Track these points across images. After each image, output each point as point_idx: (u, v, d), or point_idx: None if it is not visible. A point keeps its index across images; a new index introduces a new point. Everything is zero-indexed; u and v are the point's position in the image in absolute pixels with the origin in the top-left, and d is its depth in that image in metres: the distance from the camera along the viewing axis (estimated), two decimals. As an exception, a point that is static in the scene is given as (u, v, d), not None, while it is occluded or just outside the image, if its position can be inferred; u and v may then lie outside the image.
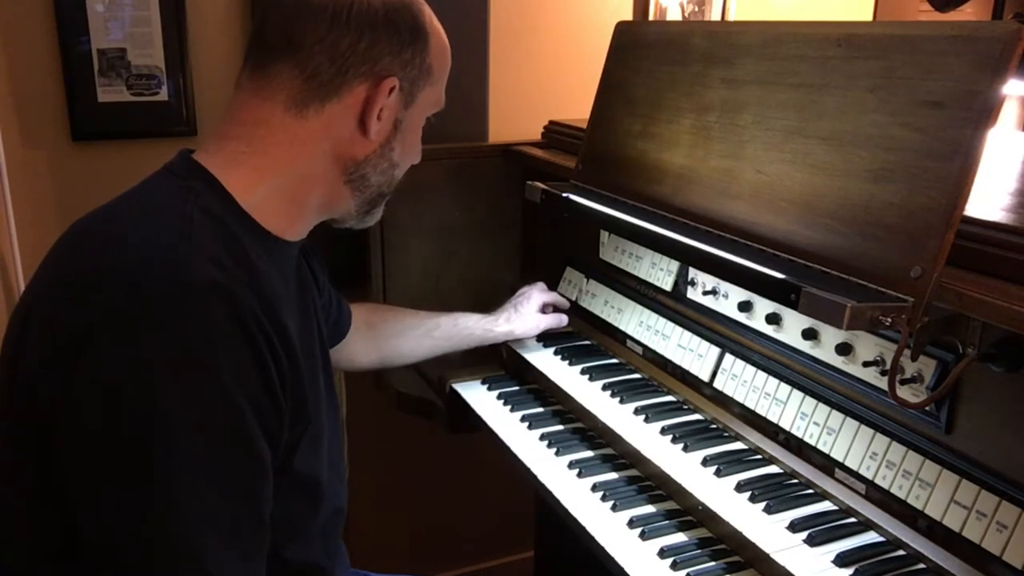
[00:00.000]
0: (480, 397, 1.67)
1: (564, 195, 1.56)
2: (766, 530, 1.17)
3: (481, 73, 1.96)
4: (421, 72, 1.04)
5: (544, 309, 1.75)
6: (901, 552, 1.13)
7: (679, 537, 1.24)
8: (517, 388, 1.70)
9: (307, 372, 0.99)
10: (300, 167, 1.00)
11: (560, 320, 1.76)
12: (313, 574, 1.11)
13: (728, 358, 1.44)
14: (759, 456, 1.35)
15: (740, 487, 1.26)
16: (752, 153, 1.27)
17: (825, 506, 1.23)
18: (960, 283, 0.98)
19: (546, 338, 1.75)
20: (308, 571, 1.09)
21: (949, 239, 0.98)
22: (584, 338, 1.78)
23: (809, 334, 1.28)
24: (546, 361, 1.69)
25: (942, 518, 1.08)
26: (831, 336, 1.25)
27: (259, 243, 0.97)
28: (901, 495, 1.13)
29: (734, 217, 1.27)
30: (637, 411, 1.48)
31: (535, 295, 1.74)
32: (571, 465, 1.42)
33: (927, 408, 1.12)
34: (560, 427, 1.56)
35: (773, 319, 1.35)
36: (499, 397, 1.67)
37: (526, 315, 1.70)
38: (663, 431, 1.42)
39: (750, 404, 1.38)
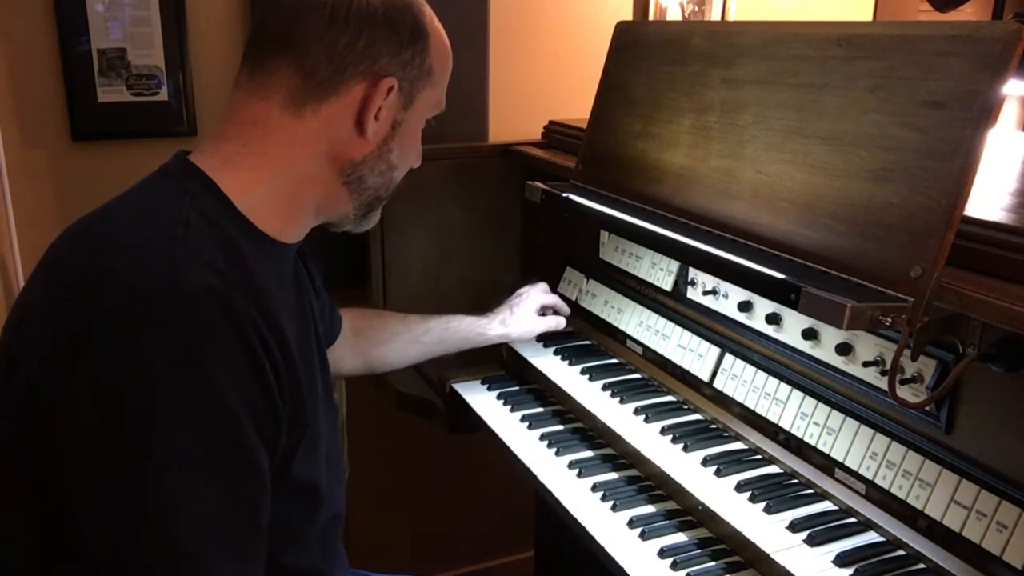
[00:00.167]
0: (480, 397, 1.67)
1: (564, 195, 1.56)
2: (766, 530, 1.17)
3: (481, 73, 1.96)
4: (421, 73, 1.03)
5: (544, 311, 1.73)
6: (901, 552, 1.13)
7: (679, 537, 1.24)
8: (517, 388, 1.70)
9: (304, 376, 0.99)
10: (297, 168, 1.00)
11: (558, 323, 1.73)
12: None
13: (728, 358, 1.44)
14: (759, 456, 1.35)
15: (740, 487, 1.26)
16: (752, 153, 1.27)
17: (825, 506, 1.23)
18: (960, 283, 0.98)
19: (546, 338, 1.74)
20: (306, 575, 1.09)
21: (949, 239, 0.98)
22: (584, 338, 1.78)
23: (809, 334, 1.28)
24: (546, 361, 1.69)
25: (942, 518, 1.08)
26: (831, 336, 1.25)
27: (256, 246, 0.96)
28: (901, 495, 1.13)
29: (734, 217, 1.27)
30: (637, 411, 1.48)
31: (533, 296, 1.71)
32: (571, 465, 1.42)
33: (927, 408, 1.12)
34: (560, 427, 1.56)
35: (773, 319, 1.35)
36: (499, 397, 1.67)
37: (522, 317, 1.68)
38: (663, 431, 1.42)
39: (750, 404, 1.38)
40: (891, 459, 1.15)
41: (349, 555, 1.24)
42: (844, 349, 1.23)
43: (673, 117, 1.44)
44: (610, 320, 1.73)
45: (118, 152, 1.89)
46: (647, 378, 1.61)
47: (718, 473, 1.30)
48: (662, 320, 1.60)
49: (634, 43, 1.59)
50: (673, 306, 1.61)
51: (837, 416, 1.24)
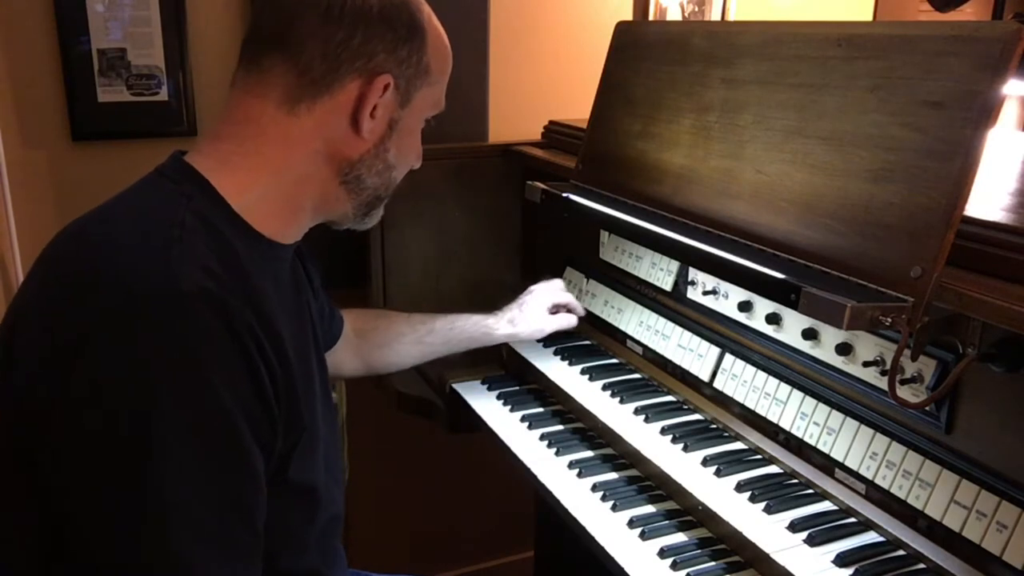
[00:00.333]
0: (480, 397, 1.67)
1: (564, 195, 1.56)
2: (766, 530, 1.17)
3: (481, 73, 1.96)
4: (418, 71, 1.02)
5: (556, 310, 1.69)
6: (901, 552, 1.13)
7: (679, 537, 1.24)
8: (517, 388, 1.70)
9: (301, 379, 0.98)
10: (294, 167, 0.99)
11: (569, 322, 1.68)
12: None
13: (728, 358, 1.44)
14: (759, 456, 1.35)
15: (740, 487, 1.26)
16: (752, 153, 1.27)
17: (825, 506, 1.23)
18: (960, 283, 0.98)
19: (546, 338, 1.74)
20: None
21: (949, 239, 0.98)
22: (584, 338, 1.78)
23: (809, 334, 1.28)
24: (546, 361, 1.69)
25: (942, 518, 1.08)
26: (831, 336, 1.25)
27: (252, 247, 0.96)
28: (901, 495, 1.13)
29: (734, 217, 1.27)
30: (637, 411, 1.48)
31: (544, 294, 1.67)
32: (571, 465, 1.42)
33: (927, 408, 1.12)
34: (560, 427, 1.56)
35: (773, 319, 1.35)
36: (499, 397, 1.67)
37: (531, 316, 1.64)
38: (663, 431, 1.42)
39: (750, 404, 1.38)
40: (891, 459, 1.15)
41: (349, 555, 1.23)
42: (844, 349, 1.23)
43: (673, 117, 1.44)
44: (610, 320, 1.73)
45: (118, 152, 1.89)
46: (647, 378, 1.61)
47: (718, 473, 1.30)
48: (662, 320, 1.60)
49: (634, 43, 1.59)
50: (673, 306, 1.61)
51: (837, 416, 1.24)
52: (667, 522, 1.27)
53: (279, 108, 0.97)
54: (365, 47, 0.97)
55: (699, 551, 1.21)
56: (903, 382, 1.14)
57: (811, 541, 1.15)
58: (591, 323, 1.79)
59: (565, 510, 1.32)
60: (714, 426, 1.44)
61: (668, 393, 1.56)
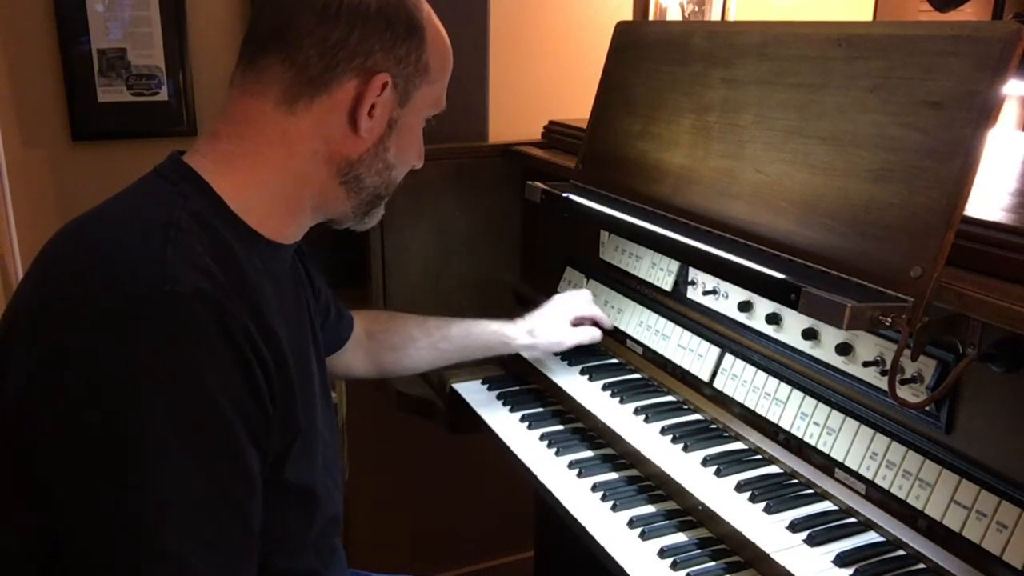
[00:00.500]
0: (480, 397, 1.67)
1: (564, 195, 1.56)
2: (766, 530, 1.17)
3: (481, 73, 1.96)
4: (417, 70, 1.02)
5: (581, 322, 1.63)
6: (901, 552, 1.13)
7: (679, 537, 1.24)
8: (517, 388, 1.70)
9: (298, 379, 0.98)
10: (292, 167, 0.99)
11: (592, 336, 1.62)
12: None
13: (728, 358, 1.44)
14: (759, 456, 1.35)
15: (740, 487, 1.26)
16: (752, 153, 1.27)
17: (825, 506, 1.23)
18: (960, 283, 0.98)
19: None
20: None
21: (949, 239, 0.98)
22: (584, 338, 1.78)
23: (809, 334, 1.28)
24: (546, 361, 1.68)
25: (942, 518, 1.08)
26: (831, 336, 1.25)
27: (250, 247, 0.96)
28: (901, 495, 1.13)
29: (734, 217, 1.27)
30: (637, 411, 1.48)
31: (567, 305, 1.62)
32: (571, 465, 1.42)
33: (927, 408, 1.12)
34: (560, 427, 1.56)
35: (773, 319, 1.35)
36: (499, 397, 1.67)
37: (553, 328, 1.59)
38: (663, 431, 1.42)
39: (750, 404, 1.38)
40: (891, 459, 1.15)
41: (349, 555, 1.23)
42: (844, 349, 1.23)
43: (673, 117, 1.44)
44: (610, 320, 1.73)
45: (118, 152, 1.89)
46: (647, 378, 1.61)
47: (718, 473, 1.30)
48: (662, 320, 1.60)
49: (634, 43, 1.59)
50: (673, 306, 1.61)
51: (837, 416, 1.24)
52: (667, 522, 1.27)
53: (277, 107, 0.97)
54: (362, 45, 0.96)
55: (699, 551, 1.21)
56: (903, 382, 1.14)
57: (811, 541, 1.15)
58: (591, 323, 1.79)
59: (565, 510, 1.32)
60: (714, 426, 1.44)
61: (668, 393, 1.56)
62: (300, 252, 1.16)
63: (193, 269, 0.85)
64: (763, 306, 1.37)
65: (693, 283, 1.54)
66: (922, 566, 1.10)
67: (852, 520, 1.19)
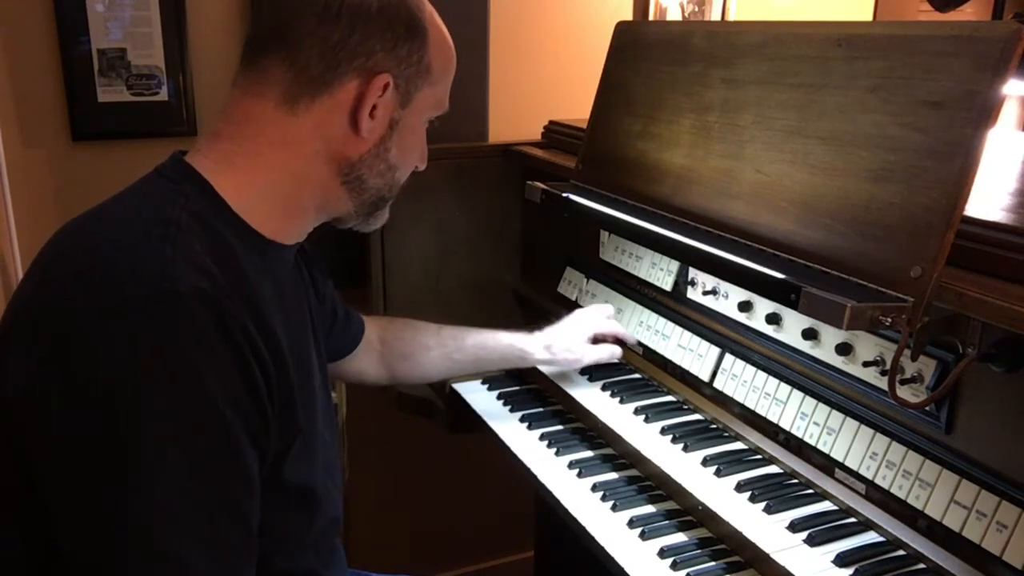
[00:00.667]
0: (480, 397, 1.67)
1: (564, 195, 1.56)
2: (766, 530, 1.17)
3: (481, 73, 1.96)
4: (419, 71, 1.01)
5: (600, 339, 1.60)
6: (901, 552, 1.13)
7: (679, 537, 1.24)
8: (517, 388, 1.70)
9: (298, 379, 0.98)
10: (293, 167, 0.99)
11: (612, 353, 1.57)
12: None
13: (728, 358, 1.44)
14: (759, 456, 1.35)
15: (740, 487, 1.26)
16: (752, 153, 1.27)
17: (825, 506, 1.23)
18: (960, 283, 0.98)
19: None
20: None
21: (949, 239, 0.98)
22: (584, 338, 1.78)
23: (809, 334, 1.28)
24: (546, 361, 1.68)
25: (942, 518, 1.08)
26: (831, 336, 1.25)
27: (251, 247, 0.96)
28: (901, 495, 1.13)
29: (734, 217, 1.27)
30: (637, 411, 1.48)
31: (586, 321, 1.58)
32: (571, 465, 1.42)
33: (927, 408, 1.12)
34: (560, 427, 1.56)
35: (773, 319, 1.35)
36: (499, 397, 1.67)
37: (570, 344, 1.55)
38: (663, 431, 1.42)
39: (750, 404, 1.38)
40: (891, 459, 1.15)
41: (349, 555, 1.23)
42: (844, 349, 1.23)
43: (673, 117, 1.44)
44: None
45: (118, 152, 1.89)
46: (647, 378, 1.61)
47: (718, 473, 1.30)
48: (662, 320, 1.60)
49: (634, 43, 1.59)
50: (673, 306, 1.61)
51: (837, 416, 1.24)
52: (667, 522, 1.27)
53: (278, 108, 0.97)
54: (363, 46, 0.96)
55: (699, 551, 1.21)
56: (903, 382, 1.14)
57: (811, 541, 1.15)
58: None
59: (565, 510, 1.32)
60: (714, 426, 1.44)
61: (668, 393, 1.56)
62: (303, 253, 1.16)
63: (192, 268, 0.85)
64: (763, 306, 1.37)
65: (693, 283, 1.54)
66: (922, 566, 1.10)
67: (852, 520, 1.19)
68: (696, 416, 1.48)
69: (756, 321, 1.39)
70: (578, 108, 1.92)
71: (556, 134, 1.93)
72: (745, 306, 1.41)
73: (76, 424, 0.81)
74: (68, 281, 0.87)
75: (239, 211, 0.96)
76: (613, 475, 1.40)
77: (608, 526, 1.26)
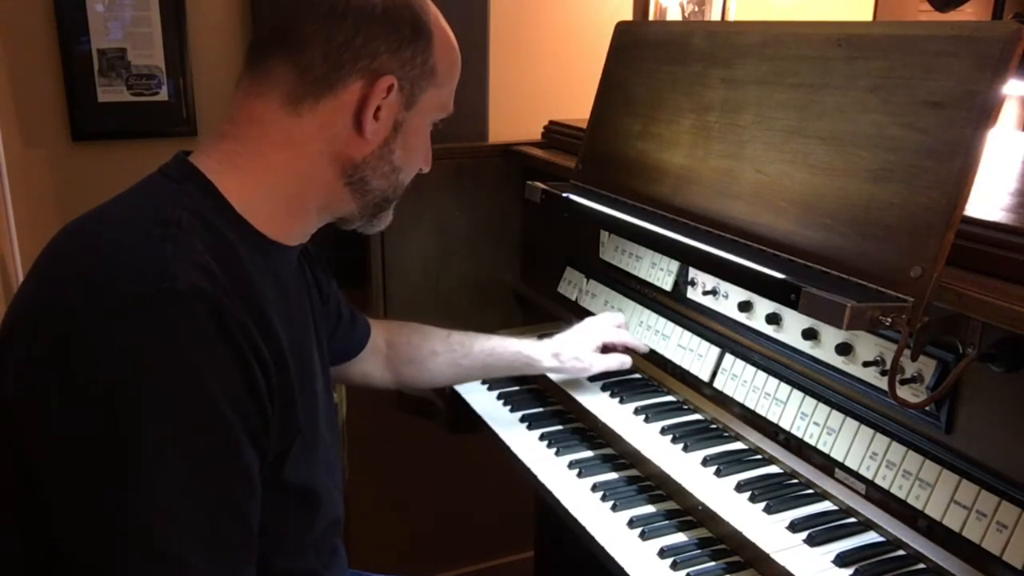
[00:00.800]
0: (480, 397, 1.67)
1: (564, 195, 1.56)
2: (766, 530, 1.17)
3: (481, 73, 1.96)
4: (423, 72, 1.01)
5: (610, 348, 1.58)
6: (901, 552, 1.13)
7: (679, 537, 1.24)
8: (517, 388, 1.70)
9: (299, 380, 0.98)
10: (297, 168, 0.99)
11: (622, 362, 1.55)
12: None
13: (728, 358, 1.44)
14: (759, 456, 1.35)
15: (740, 487, 1.26)
16: (752, 153, 1.27)
17: (825, 506, 1.23)
18: (960, 283, 0.98)
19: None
20: None
21: (949, 239, 0.97)
22: (584, 338, 1.78)
23: (809, 334, 1.28)
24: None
25: (942, 518, 1.08)
26: (831, 336, 1.25)
27: (253, 247, 0.96)
28: (901, 495, 1.13)
29: (734, 217, 1.27)
30: (637, 411, 1.48)
31: (596, 330, 1.56)
32: (571, 465, 1.42)
33: (927, 408, 1.12)
34: (560, 427, 1.56)
35: (773, 319, 1.35)
36: (499, 397, 1.67)
37: (580, 352, 1.54)
38: (663, 431, 1.42)
39: (750, 404, 1.38)
40: (891, 459, 1.15)
41: (349, 555, 1.23)
42: (844, 349, 1.23)
43: (673, 117, 1.44)
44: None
45: (118, 152, 1.89)
46: (647, 378, 1.61)
47: (718, 473, 1.30)
48: (662, 320, 1.60)
49: (634, 43, 1.59)
50: (673, 306, 1.61)
51: (837, 416, 1.24)
52: (667, 522, 1.27)
53: (282, 108, 0.97)
54: (367, 47, 0.96)
55: (699, 551, 1.21)
56: (903, 382, 1.14)
57: (811, 541, 1.15)
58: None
59: (565, 510, 1.32)
60: (714, 426, 1.44)
61: (668, 393, 1.56)
62: (307, 254, 1.16)
63: (193, 267, 0.85)
64: (763, 306, 1.37)
65: (693, 283, 1.54)
66: (922, 566, 1.10)
67: (852, 520, 1.19)
68: (696, 416, 1.48)
69: (756, 321, 1.39)
70: (578, 108, 1.92)
71: (556, 134, 1.93)
72: (745, 306, 1.41)
73: (76, 424, 0.81)
74: (68, 282, 0.87)
75: (242, 211, 0.96)
76: (613, 475, 1.40)
77: (608, 526, 1.26)
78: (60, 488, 0.83)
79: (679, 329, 1.56)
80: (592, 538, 1.24)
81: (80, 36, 1.80)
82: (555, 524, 1.50)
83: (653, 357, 1.61)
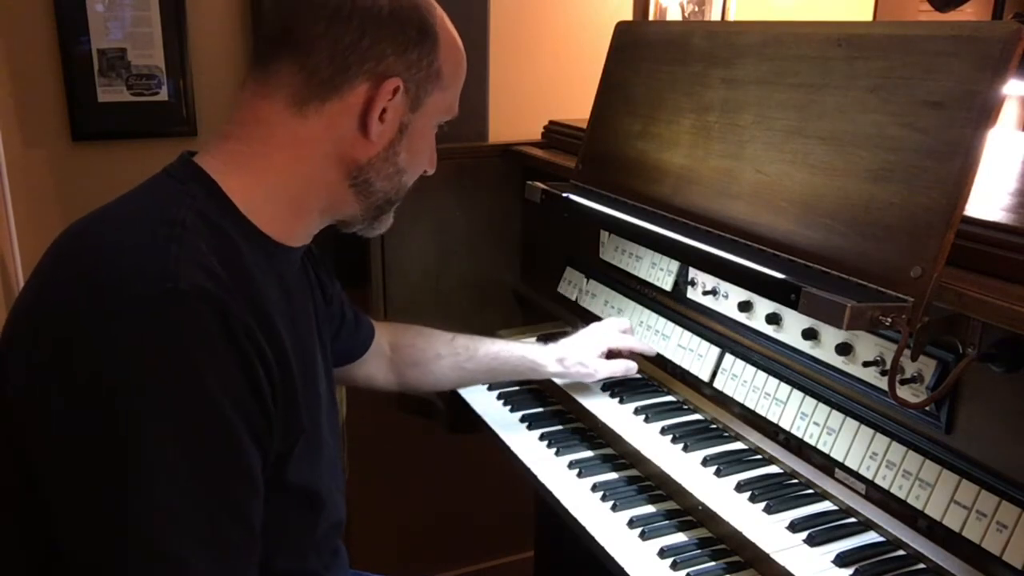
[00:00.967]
0: (480, 397, 1.67)
1: (564, 195, 1.56)
2: (766, 530, 1.17)
3: (481, 73, 1.96)
4: (429, 75, 1.01)
5: (615, 354, 1.57)
6: (901, 552, 1.13)
7: (679, 537, 1.24)
8: (517, 388, 1.70)
9: (302, 380, 0.98)
10: (302, 170, 0.99)
11: (628, 368, 1.54)
12: None
13: (728, 358, 1.44)
14: (759, 456, 1.35)
15: (740, 487, 1.26)
16: (752, 153, 1.27)
17: (825, 506, 1.23)
18: (960, 283, 0.98)
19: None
20: None
21: (949, 239, 0.97)
22: (584, 338, 1.78)
23: (809, 334, 1.28)
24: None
25: (942, 518, 1.08)
26: (831, 336, 1.25)
27: (257, 248, 0.96)
28: (901, 495, 1.13)
29: (734, 217, 1.27)
30: (637, 411, 1.48)
31: (601, 336, 1.56)
32: (571, 465, 1.42)
33: (927, 408, 1.12)
34: (560, 427, 1.56)
35: (773, 319, 1.35)
36: (499, 397, 1.67)
37: (585, 358, 1.53)
38: (663, 431, 1.42)
39: (750, 404, 1.38)
40: (891, 459, 1.15)
41: (349, 555, 1.23)
42: (844, 349, 1.23)
43: (673, 117, 1.44)
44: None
45: (118, 152, 1.89)
46: (647, 378, 1.61)
47: (718, 473, 1.30)
48: (662, 320, 1.60)
49: (634, 43, 1.59)
50: (673, 306, 1.61)
51: (837, 416, 1.24)
52: (667, 522, 1.27)
53: (287, 109, 0.97)
54: (374, 49, 0.96)
55: (699, 551, 1.21)
56: (903, 382, 1.14)
57: (811, 541, 1.15)
58: (591, 323, 1.79)
59: (565, 510, 1.32)
60: (714, 426, 1.44)
61: (668, 393, 1.56)
62: (310, 255, 1.16)
63: (197, 268, 0.85)
64: (763, 306, 1.37)
65: (693, 283, 1.54)
66: (922, 566, 1.10)
67: (852, 520, 1.19)
68: (696, 416, 1.48)
69: (756, 321, 1.39)
70: (578, 108, 1.92)
71: (556, 134, 1.93)
72: (745, 306, 1.41)
73: (77, 424, 0.81)
74: (71, 284, 0.87)
75: (246, 212, 0.96)
76: (613, 475, 1.40)
77: (608, 526, 1.26)
78: (60, 488, 0.83)
79: (679, 329, 1.56)
80: (592, 538, 1.24)
81: (80, 36, 1.80)
82: (555, 524, 1.50)
83: (653, 357, 1.61)
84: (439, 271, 1.96)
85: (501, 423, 1.58)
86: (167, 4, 1.84)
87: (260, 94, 0.98)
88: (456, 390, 1.69)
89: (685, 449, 1.36)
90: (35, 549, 0.88)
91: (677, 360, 1.54)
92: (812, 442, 1.26)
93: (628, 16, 2.26)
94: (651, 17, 2.27)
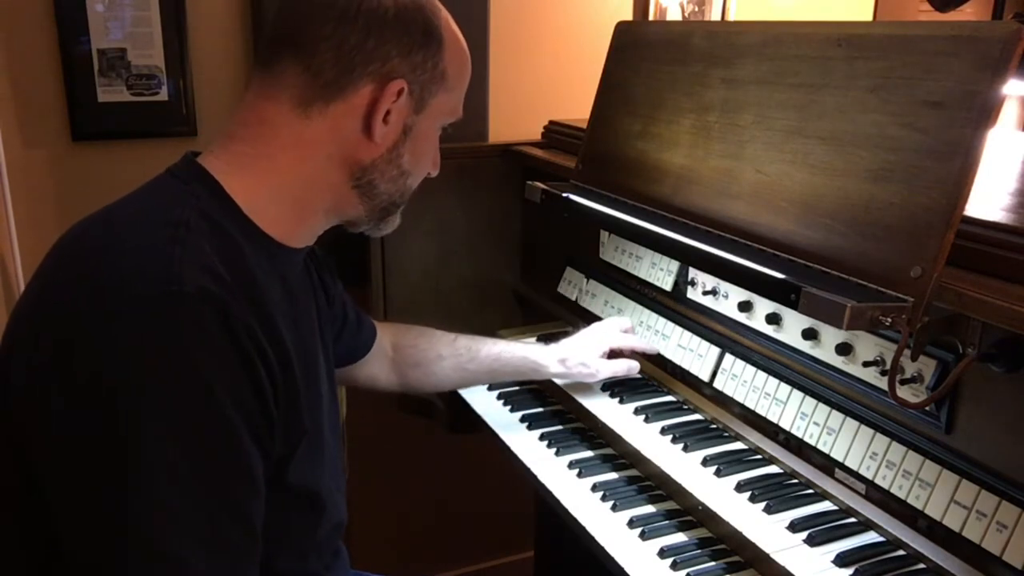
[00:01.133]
0: (480, 397, 1.67)
1: (564, 195, 1.56)
2: (766, 530, 1.17)
3: (481, 73, 1.96)
4: (434, 77, 1.01)
5: (617, 353, 1.57)
6: (901, 552, 1.13)
7: (679, 537, 1.25)
8: (517, 388, 1.70)
9: (304, 382, 0.98)
10: (305, 171, 0.99)
11: (629, 368, 1.54)
12: None
13: (728, 358, 1.44)
14: (759, 456, 1.35)
15: (740, 487, 1.26)
16: (752, 153, 1.27)
17: (825, 506, 1.23)
18: (960, 283, 0.98)
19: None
20: None
21: (949, 239, 0.97)
22: (584, 338, 1.78)
23: (809, 334, 1.28)
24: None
25: (942, 518, 1.08)
26: (831, 336, 1.25)
27: (260, 249, 0.96)
28: (901, 495, 1.13)
29: (734, 217, 1.27)
30: (637, 411, 1.48)
31: (602, 336, 1.56)
32: (571, 465, 1.42)
33: (927, 408, 1.12)
34: (560, 427, 1.56)
35: (773, 319, 1.35)
36: (499, 397, 1.67)
37: (587, 358, 1.53)
38: (663, 431, 1.42)
39: (750, 404, 1.38)
40: (891, 459, 1.15)
41: (349, 555, 1.23)
42: (844, 349, 1.23)
43: (673, 117, 1.44)
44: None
45: (118, 152, 1.89)
46: (647, 378, 1.61)
47: (718, 473, 1.30)
48: (662, 320, 1.60)
49: (634, 43, 1.59)
50: (673, 306, 1.61)
51: (837, 416, 1.24)
52: (667, 522, 1.27)
53: (292, 111, 0.97)
54: (378, 51, 0.96)
55: (699, 551, 1.21)
56: (903, 382, 1.14)
57: (811, 541, 1.15)
58: (591, 323, 1.78)
59: (565, 510, 1.32)
60: (714, 426, 1.44)
61: (668, 393, 1.56)
62: (313, 256, 1.16)
63: (200, 269, 0.85)
64: (763, 306, 1.37)
65: (693, 283, 1.54)
66: (922, 566, 1.10)
67: (852, 520, 1.19)
68: (696, 416, 1.48)
69: (756, 321, 1.39)
70: (578, 108, 1.92)
71: (556, 134, 1.93)
72: (745, 306, 1.41)
73: (77, 424, 0.81)
74: (72, 285, 0.87)
75: (249, 213, 0.96)
76: (613, 475, 1.40)
77: (608, 526, 1.26)
78: (60, 488, 0.83)
79: (679, 329, 1.56)
80: (592, 538, 1.24)
81: (80, 36, 1.80)
82: (555, 524, 1.50)
83: (653, 357, 1.61)
84: (439, 271, 1.96)
85: (501, 423, 1.58)
86: (167, 4, 1.84)
87: (264, 95, 0.98)
88: (456, 390, 1.69)
89: (685, 449, 1.36)
90: (35, 549, 0.88)
91: (677, 360, 1.54)
92: (812, 442, 1.26)
93: (628, 16, 2.26)
94: (651, 17, 2.27)
